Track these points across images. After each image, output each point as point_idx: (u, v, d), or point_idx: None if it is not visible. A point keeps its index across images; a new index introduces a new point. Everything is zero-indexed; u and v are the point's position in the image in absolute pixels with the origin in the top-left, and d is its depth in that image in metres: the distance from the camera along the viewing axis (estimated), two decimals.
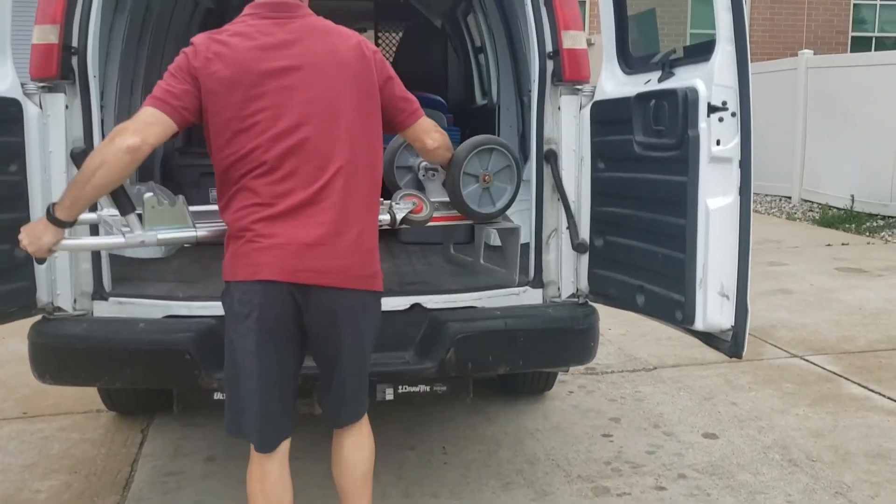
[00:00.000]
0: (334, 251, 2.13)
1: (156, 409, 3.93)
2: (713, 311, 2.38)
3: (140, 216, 2.41)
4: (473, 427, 3.81)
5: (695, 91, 2.33)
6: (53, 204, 2.17)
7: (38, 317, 2.91)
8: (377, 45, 6.63)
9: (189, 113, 2.13)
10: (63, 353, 2.88)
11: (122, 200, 2.32)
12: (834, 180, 10.49)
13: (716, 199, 2.32)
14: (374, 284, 2.26)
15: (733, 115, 2.30)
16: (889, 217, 9.42)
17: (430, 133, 2.53)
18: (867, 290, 6.43)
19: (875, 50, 17.46)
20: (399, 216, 2.82)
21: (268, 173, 2.10)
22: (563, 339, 3.07)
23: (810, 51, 11.54)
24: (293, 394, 2.33)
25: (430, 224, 2.97)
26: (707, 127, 2.31)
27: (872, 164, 9.78)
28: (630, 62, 2.90)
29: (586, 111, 3.01)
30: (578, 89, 3.06)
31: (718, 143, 2.31)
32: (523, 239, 3.15)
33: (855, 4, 17.65)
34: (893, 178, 9.48)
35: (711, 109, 2.30)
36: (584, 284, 3.08)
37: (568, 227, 3.07)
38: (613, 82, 2.93)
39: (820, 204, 10.69)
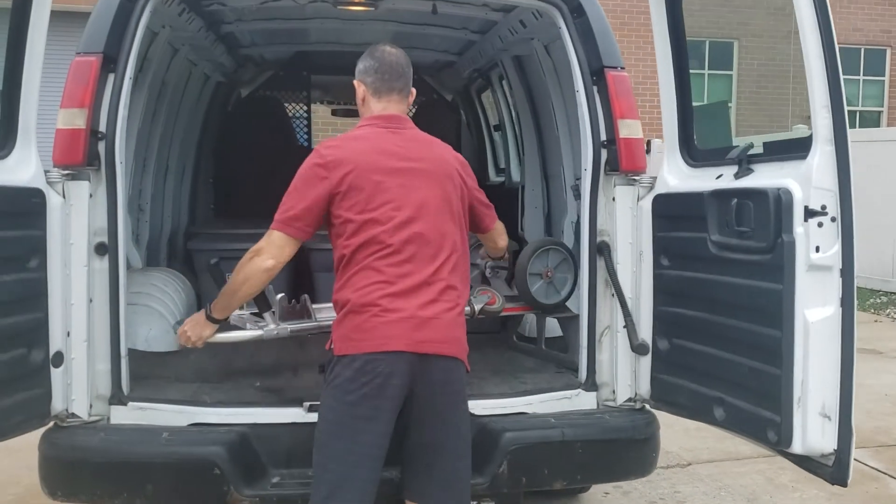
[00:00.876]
0: (447, 325, 2.38)
1: None
2: (813, 433, 2.17)
3: (274, 313, 2.97)
4: None
5: (788, 192, 2.16)
6: (210, 304, 2.64)
7: (50, 424, 2.65)
8: None
9: (311, 227, 2.42)
10: (77, 468, 2.61)
11: (261, 302, 2.89)
12: None
13: (815, 310, 2.13)
14: (466, 360, 2.49)
15: (833, 219, 2.12)
16: (891, 293, 9.37)
17: (502, 235, 2.89)
18: (890, 374, 6.26)
19: (859, 123, 17.76)
20: (478, 307, 3.15)
21: (391, 255, 2.35)
22: (624, 450, 2.83)
23: (805, 126, 11.59)
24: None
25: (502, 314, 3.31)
26: (804, 232, 2.13)
27: (873, 241, 9.74)
28: (695, 154, 2.75)
29: (646, 203, 2.84)
30: (635, 180, 2.91)
31: (818, 249, 2.13)
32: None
33: None
34: (895, 255, 9.46)
35: (809, 213, 2.13)
36: (644, 389, 2.86)
37: (625, 326, 2.88)
38: (678, 175, 2.76)
39: None
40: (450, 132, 5.76)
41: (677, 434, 4.81)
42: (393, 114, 2.54)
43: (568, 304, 3.37)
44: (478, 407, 2.79)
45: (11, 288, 2.35)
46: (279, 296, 3.01)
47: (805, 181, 2.14)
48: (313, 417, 2.57)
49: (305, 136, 6.06)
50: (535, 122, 4.48)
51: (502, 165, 5.75)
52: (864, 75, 18.27)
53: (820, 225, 2.13)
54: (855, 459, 4.37)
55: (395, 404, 2.32)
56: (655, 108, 12.83)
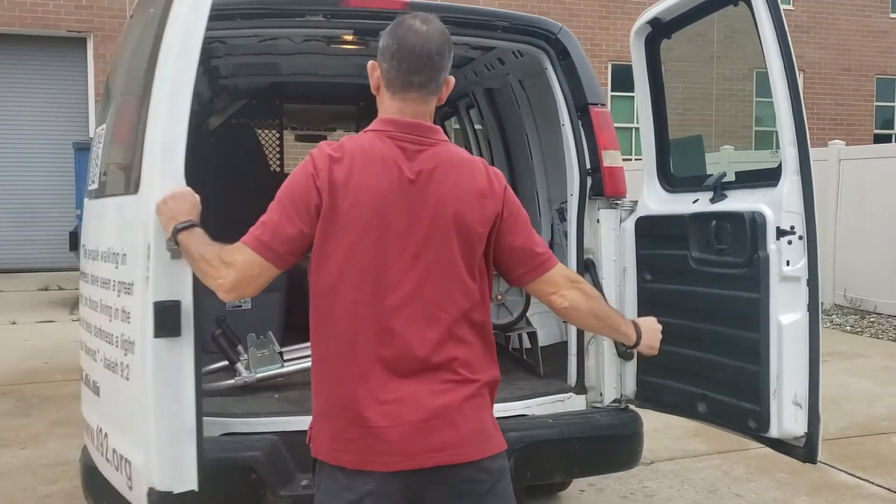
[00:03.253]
0: None
1: None
2: (788, 419, 2.54)
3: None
4: None
5: (762, 215, 2.54)
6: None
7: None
8: None
9: None
10: None
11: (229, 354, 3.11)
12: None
13: (787, 314, 2.51)
14: None
15: (800, 238, 2.51)
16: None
17: None
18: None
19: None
20: None
21: None
22: (614, 445, 3.18)
23: (842, 142, 11.15)
24: None
25: None
26: (777, 249, 2.51)
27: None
28: (671, 181, 3.12)
29: (629, 224, 3.20)
30: (617, 203, 3.27)
31: (788, 263, 2.51)
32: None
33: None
34: None
35: (780, 233, 2.51)
36: (630, 390, 3.21)
37: None
38: (656, 200, 3.13)
39: None
40: None
41: None
42: (411, 121, 1.96)
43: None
44: None
45: None
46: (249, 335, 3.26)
47: (776, 205, 2.53)
48: None
49: (278, 163, 6.29)
50: (506, 150, 4.83)
51: None
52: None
53: (790, 242, 2.51)
54: None
55: None
56: None
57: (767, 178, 2.63)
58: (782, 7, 2.51)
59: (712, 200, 2.83)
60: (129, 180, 2.42)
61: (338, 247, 1.90)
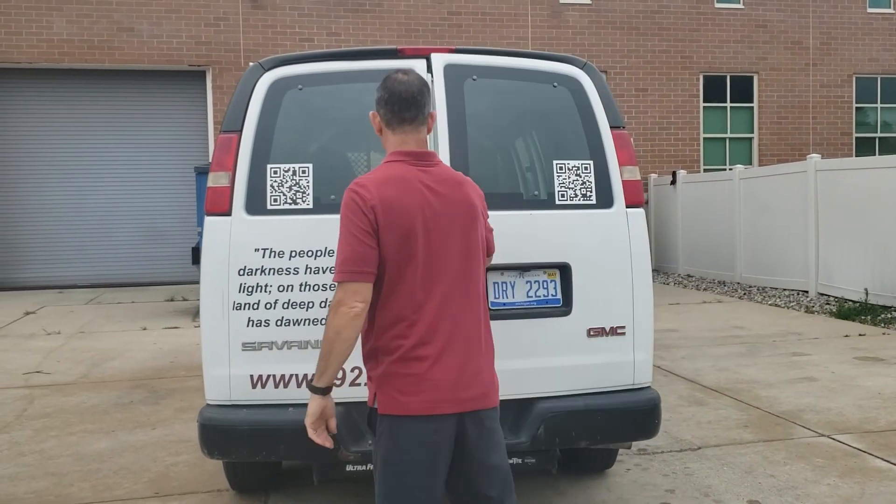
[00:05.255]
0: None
1: (270, 488, 4.55)
2: None
3: None
4: (548, 499, 4.39)
5: None
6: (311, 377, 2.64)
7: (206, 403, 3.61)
8: None
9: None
10: (229, 433, 3.54)
11: None
12: (847, 274, 11.18)
13: None
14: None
15: None
16: None
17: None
18: (886, 376, 7.03)
19: (878, 149, 18.40)
20: None
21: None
22: (633, 417, 3.72)
23: (818, 155, 12.36)
24: None
25: None
26: None
27: (883, 259, 10.47)
28: None
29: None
30: None
31: None
32: None
33: (858, 108, 18.68)
34: None
35: None
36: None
37: None
38: None
39: (835, 297, 11.35)
40: None
41: (690, 426, 5.67)
42: (416, 150, 2.56)
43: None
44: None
45: None
46: None
47: None
48: None
49: None
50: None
51: None
52: (881, 103, 18.94)
53: None
54: (839, 441, 5.24)
55: None
56: (680, 140, 14.04)
57: None
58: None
59: None
60: None
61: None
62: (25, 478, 4.83)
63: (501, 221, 3.66)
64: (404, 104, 2.53)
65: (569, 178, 3.75)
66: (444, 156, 3.61)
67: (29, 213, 15.65)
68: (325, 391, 2.57)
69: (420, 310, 2.48)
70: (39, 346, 9.23)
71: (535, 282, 3.71)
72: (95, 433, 5.73)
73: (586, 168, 3.76)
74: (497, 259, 3.66)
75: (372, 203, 2.43)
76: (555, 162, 3.77)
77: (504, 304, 3.68)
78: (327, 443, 2.61)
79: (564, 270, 3.72)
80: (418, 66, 3.72)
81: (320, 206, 3.62)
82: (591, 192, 3.75)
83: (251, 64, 3.82)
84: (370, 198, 2.44)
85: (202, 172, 11.33)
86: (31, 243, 15.67)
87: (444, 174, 2.60)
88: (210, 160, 3.72)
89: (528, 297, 3.70)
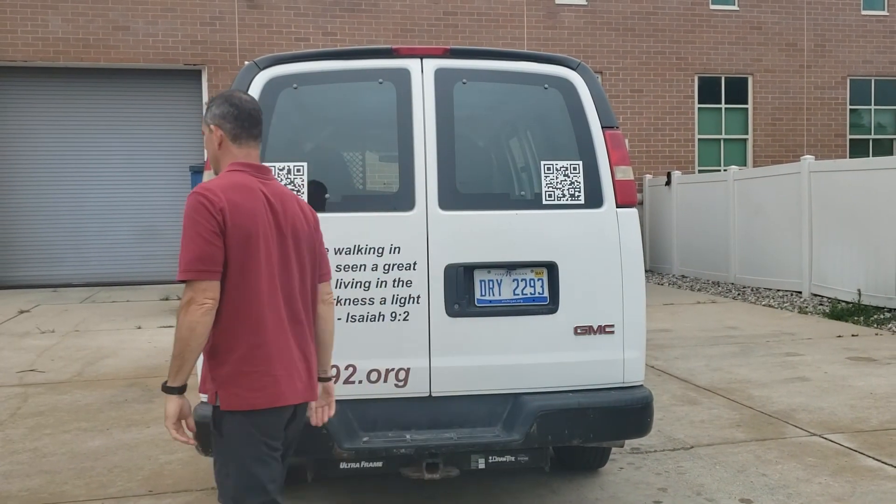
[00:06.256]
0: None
1: None
2: None
3: None
4: (541, 498, 4.41)
5: None
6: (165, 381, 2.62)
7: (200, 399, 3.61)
8: None
9: None
10: None
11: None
12: (841, 275, 11.22)
13: None
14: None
15: None
16: (895, 310, 10.09)
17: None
18: (878, 377, 7.06)
19: (872, 150, 18.48)
20: None
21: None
22: (625, 416, 3.73)
23: (812, 156, 12.41)
24: None
25: None
26: None
27: (876, 260, 10.52)
28: None
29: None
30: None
31: None
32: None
33: (851, 109, 18.74)
34: None
35: None
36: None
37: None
38: None
39: (829, 298, 11.40)
40: None
41: (683, 425, 5.70)
42: (256, 163, 2.74)
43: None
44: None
45: None
46: None
47: None
48: (393, 393, 3.56)
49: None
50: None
51: None
52: (875, 105, 19.01)
53: None
54: (831, 441, 5.27)
55: None
56: (675, 140, 14.09)
57: None
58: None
59: None
60: None
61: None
62: (19, 475, 4.84)
63: (488, 221, 3.71)
64: (253, 121, 2.74)
65: (556, 178, 3.77)
66: (430, 158, 3.66)
67: (23, 212, 15.63)
68: (181, 391, 2.59)
69: (260, 309, 2.60)
70: (34, 345, 9.22)
71: (522, 280, 3.74)
72: (89, 431, 5.73)
73: (575, 168, 3.78)
74: (484, 257, 3.70)
75: (220, 206, 2.55)
76: (542, 162, 3.80)
77: (490, 302, 3.72)
78: (190, 441, 2.67)
79: (551, 269, 3.75)
80: (413, 65, 3.75)
81: (315, 205, 3.63)
82: (579, 192, 3.78)
83: (246, 63, 3.84)
84: (218, 201, 2.56)
85: (197, 171, 11.32)
86: (25, 242, 15.65)
87: (280, 188, 2.80)
88: (205, 159, 3.73)
89: (514, 294, 3.74)
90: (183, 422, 2.62)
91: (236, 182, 2.64)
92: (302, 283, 2.77)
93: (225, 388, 2.60)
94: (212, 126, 2.75)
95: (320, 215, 3.57)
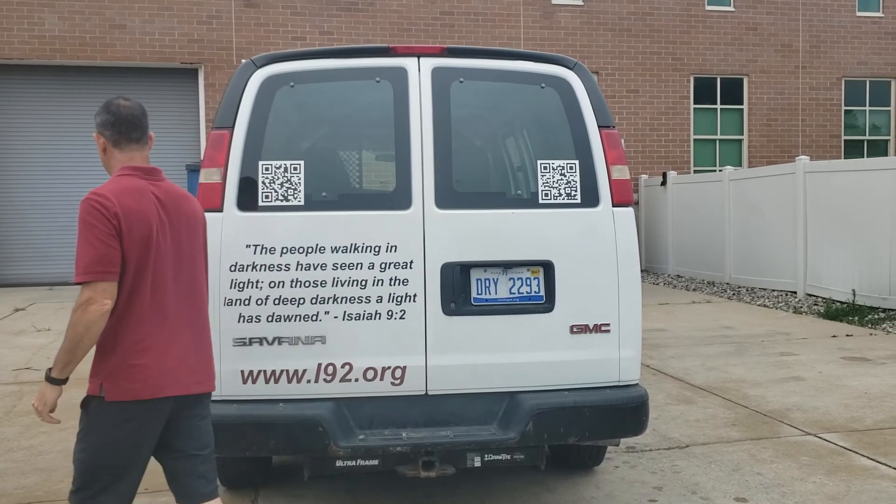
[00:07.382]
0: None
1: (260, 484, 4.56)
2: None
3: None
4: (537, 496, 4.42)
5: None
6: (49, 369, 2.75)
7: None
8: None
9: None
10: (220, 429, 3.54)
11: None
12: (835, 276, 11.25)
13: None
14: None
15: None
16: (889, 310, 10.12)
17: None
18: (872, 376, 7.09)
19: (867, 151, 18.54)
20: None
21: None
22: (621, 414, 3.75)
23: (807, 157, 12.44)
24: None
25: None
26: None
27: (871, 260, 10.55)
28: None
29: None
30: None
31: None
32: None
33: (846, 110, 18.79)
34: (891, 274, 10.22)
35: None
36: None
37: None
38: None
39: (824, 298, 11.43)
40: None
41: (678, 424, 5.71)
42: (144, 166, 2.83)
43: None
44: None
45: None
46: None
47: None
48: (389, 391, 3.56)
49: None
50: None
51: None
52: (870, 106, 19.06)
53: None
54: (826, 440, 5.29)
55: None
56: (671, 141, 14.14)
57: None
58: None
59: None
60: None
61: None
62: (15, 473, 4.83)
63: (485, 220, 3.72)
64: (131, 126, 2.85)
65: (553, 177, 3.78)
66: (427, 156, 3.67)
67: (19, 210, 15.60)
68: (64, 382, 2.75)
69: (153, 305, 2.74)
70: (29, 343, 9.21)
71: (519, 279, 3.75)
72: None
73: (571, 167, 3.79)
74: (481, 256, 3.71)
75: (114, 210, 2.65)
76: (539, 162, 3.80)
77: (487, 300, 3.73)
78: (55, 421, 2.80)
79: (547, 268, 3.76)
80: (410, 64, 3.76)
81: (312, 203, 3.65)
82: (575, 191, 3.78)
83: (243, 61, 3.84)
84: (111, 206, 2.66)
85: (193, 170, 11.32)
86: (21, 240, 15.62)
87: (171, 189, 2.91)
88: (202, 157, 3.74)
89: (510, 293, 3.75)
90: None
91: (125, 186, 2.74)
92: (195, 279, 2.92)
93: (110, 379, 2.71)
94: (95, 134, 2.88)
95: (318, 214, 3.60)
